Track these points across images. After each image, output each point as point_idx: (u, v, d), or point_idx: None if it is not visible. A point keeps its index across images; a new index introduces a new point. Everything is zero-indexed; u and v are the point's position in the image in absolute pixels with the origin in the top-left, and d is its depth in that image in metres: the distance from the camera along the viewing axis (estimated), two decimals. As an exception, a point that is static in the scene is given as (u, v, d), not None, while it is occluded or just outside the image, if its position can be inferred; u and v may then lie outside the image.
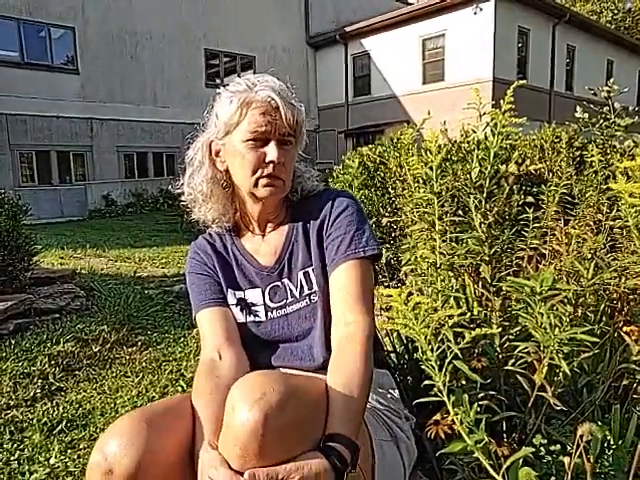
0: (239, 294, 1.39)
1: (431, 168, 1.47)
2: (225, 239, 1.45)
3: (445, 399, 0.87)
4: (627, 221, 1.44)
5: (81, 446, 2.15)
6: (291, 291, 1.37)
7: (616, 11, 35.48)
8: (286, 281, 1.37)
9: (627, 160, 1.30)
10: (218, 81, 18.32)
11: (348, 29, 19.79)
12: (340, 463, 0.98)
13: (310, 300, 1.34)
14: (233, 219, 1.43)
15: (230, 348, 1.29)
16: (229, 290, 1.39)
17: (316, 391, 1.08)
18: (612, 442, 1.30)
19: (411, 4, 22.52)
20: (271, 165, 1.27)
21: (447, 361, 0.91)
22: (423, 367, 0.93)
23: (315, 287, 1.34)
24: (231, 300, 1.39)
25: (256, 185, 1.29)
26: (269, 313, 1.37)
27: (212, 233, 1.48)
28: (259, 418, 0.92)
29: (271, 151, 1.26)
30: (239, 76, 1.36)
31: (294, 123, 1.28)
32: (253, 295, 1.39)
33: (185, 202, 1.43)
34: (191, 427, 1.14)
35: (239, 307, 1.38)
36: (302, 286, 1.35)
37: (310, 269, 1.35)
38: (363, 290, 1.28)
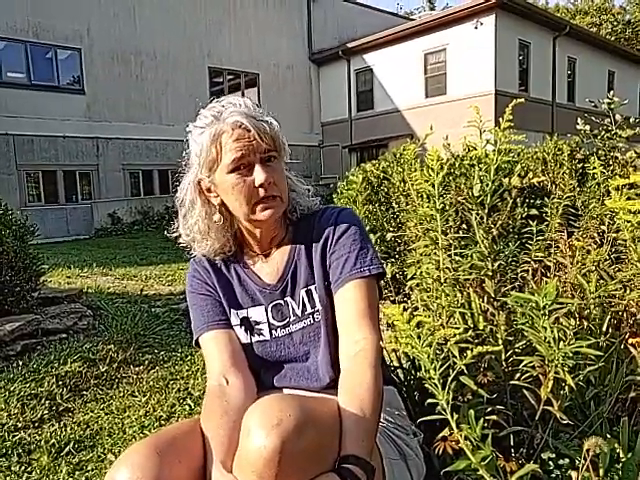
0: (242, 313, 1.38)
1: (433, 185, 1.48)
2: (227, 258, 1.43)
3: (449, 417, 0.88)
4: (625, 234, 1.45)
5: (89, 467, 2.15)
6: (294, 310, 1.36)
7: (615, 23, 35.67)
8: (289, 299, 1.37)
9: (625, 176, 1.31)
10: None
11: (351, 45, 19.95)
12: None
13: (314, 319, 1.34)
14: (234, 246, 1.41)
15: (237, 372, 1.29)
16: (232, 310, 1.38)
17: (330, 414, 1.09)
18: (621, 455, 1.30)
19: (413, 19, 22.79)
20: (262, 189, 1.25)
21: (450, 378, 0.91)
22: (427, 386, 0.93)
23: (318, 306, 1.33)
24: (234, 321, 1.38)
25: (254, 211, 1.28)
26: (273, 332, 1.36)
27: None
28: (276, 445, 0.93)
29: (258, 175, 1.24)
30: (243, 94, 1.36)
31: (269, 139, 1.25)
32: (256, 313, 1.38)
33: (184, 243, 1.41)
34: (201, 452, 1.14)
35: (243, 327, 1.38)
36: (304, 304, 1.35)
37: (313, 287, 1.34)
38: (370, 308, 1.28)
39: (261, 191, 1.26)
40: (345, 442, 1.05)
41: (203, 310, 1.38)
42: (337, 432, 1.06)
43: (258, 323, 1.37)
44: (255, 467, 0.95)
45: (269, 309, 1.37)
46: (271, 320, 1.37)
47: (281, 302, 1.37)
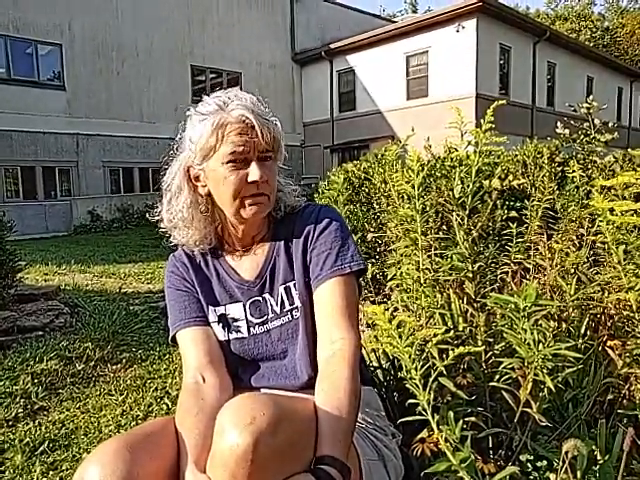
0: (220, 310, 1.37)
1: (413, 186, 1.48)
2: (207, 253, 1.42)
3: (430, 418, 0.87)
4: (607, 237, 1.46)
5: (63, 467, 2.11)
6: (272, 306, 1.35)
7: (594, 29, 36.30)
8: (267, 296, 1.35)
9: (605, 178, 1.32)
10: (205, 97, 18.40)
11: (333, 46, 19.97)
12: None
13: (292, 316, 1.33)
14: (215, 239, 1.40)
15: (213, 370, 1.28)
16: (209, 307, 1.37)
17: (306, 413, 1.08)
18: (599, 457, 1.31)
19: (395, 22, 22.88)
20: (254, 185, 1.25)
21: (431, 379, 0.91)
22: (407, 386, 0.93)
23: (297, 302, 1.32)
24: (212, 317, 1.37)
25: (242, 206, 1.27)
26: (251, 329, 1.35)
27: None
28: (249, 443, 0.92)
29: (253, 171, 1.23)
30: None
31: (271, 139, 1.25)
32: (234, 310, 1.36)
33: (164, 228, 1.39)
34: (175, 451, 1.12)
35: (221, 324, 1.36)
36: (283, 301, 1.34)
37: (292, 284, 1.33)
38: (349, 306, 1.27)
39: (253, 188, 1.25)
40: (321, 442, 1.04)
41: (180, 306, 1.37)
42: (313, 432, 1.05)
43: (236, 320, 1.36)
44: (228, 466, 0.94)
45: (247, 306, 1.36)
46: (249, 317, 1.36)
47: (259, 299, 1.36)
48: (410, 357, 0.89)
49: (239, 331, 1.36)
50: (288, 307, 1.33)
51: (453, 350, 0.93)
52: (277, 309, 1.34)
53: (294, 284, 1.33)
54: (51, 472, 2.08)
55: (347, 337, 1.22)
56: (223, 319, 1.36)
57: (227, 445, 0.93)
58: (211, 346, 1.33)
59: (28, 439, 2.31)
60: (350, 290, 1.30)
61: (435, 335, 0.93)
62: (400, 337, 0.90)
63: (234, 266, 1.40)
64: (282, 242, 1.37)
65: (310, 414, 1.08)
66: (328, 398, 1.12)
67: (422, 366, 0.91)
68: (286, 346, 1.34)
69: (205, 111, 1.26)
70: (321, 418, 1.08)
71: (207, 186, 1.31)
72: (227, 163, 1.23)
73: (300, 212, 1.40)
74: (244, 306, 1.36)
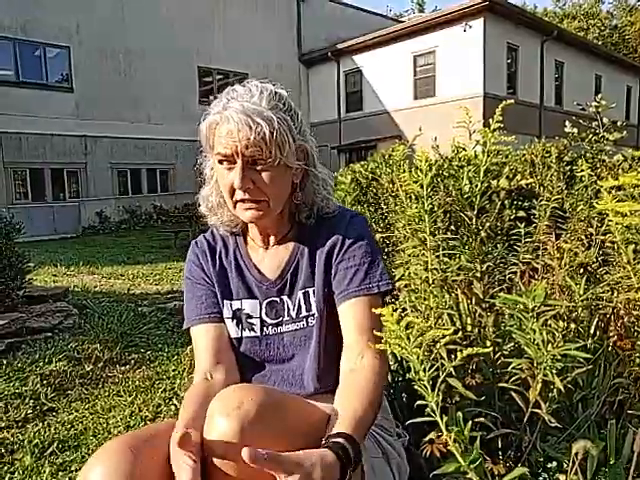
0: (235, 305, 1.35)
1: (421, 186, 1.48)
2: (229, 242, 1.41)
3: (438, 419, 0.87)
4: (616, 236, 1.45)
5: (72, 468, 2.12)
6: (288, 310, 1.32)
7: (603, 27, 36.13)
8: (285, 298, 1.33)
9: (614, 177, 1.31)
10: (212, 98, 18.45)
11: (340, 46, 19.98)
12: (345, 457, 0.95)
13: (307, 323, 1.31)
14: (242, 226, 1.40)
15: (223, 371, 1.27)
16: (225, 301, 1.35)
17: (299, 408, 1.07)
18: (609, 458, 1.30)
19: (402, 21, 22.86)
20: (242, 190, 1.21)
21: (440, 380, 0.91)
22: (416, 387, 0.92)
23: (314, 310, 1.30)
24: (226, 313, 1.35)
25: (235, 207, 1.26)
26: (265, 328, 1.33)
27: (215, 233, 1.43)
28: (235, 427, 0.92)
29: (235, 177, 1.20)
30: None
31: (255, 145, 1.17)
32: (250, 306, 1.35)
33: (202, 212, 1.40)
34: None
35: (235, 321, 1.34)
36: (300, 306, 1.31)
37: (311, 290, 1.31)
38: (375, 326, 1.22)
39: (239, 193, 1.22)
40: (337, 425, 1.02)
41: (197, 301, 1.36)
42: (304, 428, 1.04)
43: (250, 317, 1.34)
44: (217, 451, 0.94)
45: (264, 305, 1.34)
46: (264, 316, 1.34)
47: (277, 300, 1.34)
48: (418, 358, 0.89)
49: (252, 329, 1.34)
50: (305, 313, 1.31)
51: (461, 351, 0.92)
52: (293, 313, 1.32)
53: (313, 291, 1.31)
54: (60, 473, 2.09)
55: (371, 357, 1.19)
56: (237, 315, 1.35)
57: (215, 430, 0.95)
58: (223, 345, 1.32)
59: (37, 440, 2.32)
60: (377, 309, 1.28)
61: (444, 336, 0.93)
62: (408, 338, 0.90)
63: (256, 262, 1.38)
64: (307, 245, 1.34)
65: (304, 411, 1.08)
66: (350, 393, 1.11)
67: (430, 367, 0.90)
68: (296, 352, 1.32)
69: (213, 108, 1.25)
70: (340, 407, 1.07)
71: None
72: (219, 163, 1.23)
73: (329, 217, 1.36)
74: (260, 304, 1.34)
